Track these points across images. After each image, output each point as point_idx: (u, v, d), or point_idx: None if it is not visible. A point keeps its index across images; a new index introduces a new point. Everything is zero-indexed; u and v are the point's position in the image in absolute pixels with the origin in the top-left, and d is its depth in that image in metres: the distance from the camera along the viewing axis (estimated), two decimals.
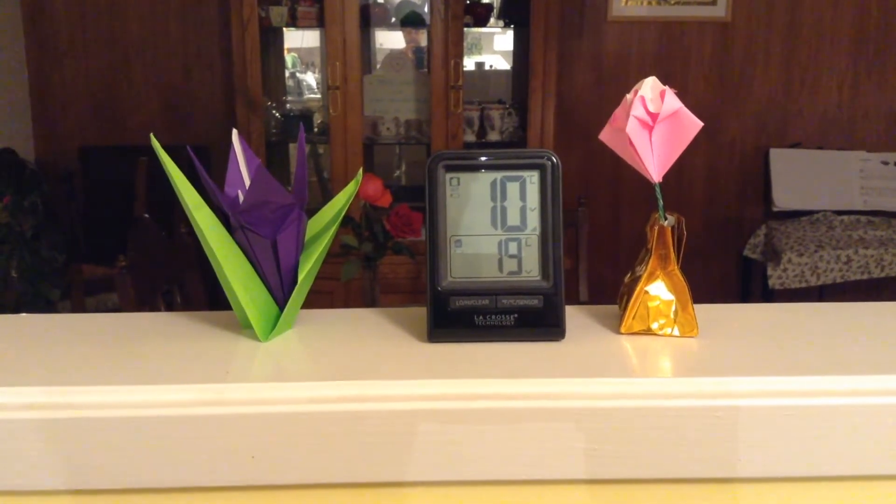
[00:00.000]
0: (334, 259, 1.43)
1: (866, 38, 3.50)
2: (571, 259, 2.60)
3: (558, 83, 3.08)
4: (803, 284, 3.17)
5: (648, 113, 0.61)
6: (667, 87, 0.61)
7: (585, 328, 0.67)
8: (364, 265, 1.91)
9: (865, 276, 3.19)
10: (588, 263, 2.65)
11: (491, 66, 3.82)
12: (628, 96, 0.62)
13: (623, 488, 0.59)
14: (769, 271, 3.20)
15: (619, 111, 0.63)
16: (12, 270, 2.74)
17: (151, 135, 0.64)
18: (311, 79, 3.92)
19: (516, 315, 0.63)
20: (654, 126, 0.61)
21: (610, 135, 0.65)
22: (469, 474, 0.57)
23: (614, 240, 3.63)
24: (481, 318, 0.63)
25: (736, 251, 3.64)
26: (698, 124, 0.61)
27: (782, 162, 3.49)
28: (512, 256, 0.64)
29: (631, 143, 0.62)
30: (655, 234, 0.64)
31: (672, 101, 0.61)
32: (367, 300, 1.95)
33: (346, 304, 2.90)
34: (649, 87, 0.61)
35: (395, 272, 2.81)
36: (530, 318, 0.63)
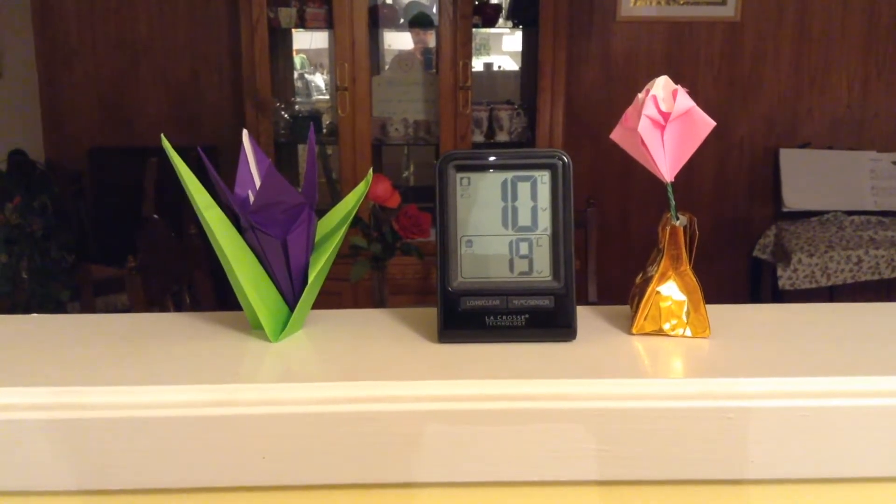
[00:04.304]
0: (343, 260, 1.42)
1: (876, 38, 3.48)
2: (581, 259, 2.59)
3: (567, 83, 3.07)
4: (813, 285, 3.15)
5: (660, 112, 0.61)
6: (679, 87, 0.61)
7: (596, 329, 0.66)
8: (373, 266, 1.91)
9: (876, 277, 3.17)
10: (597, 264, 2.64)
11: (499, 67, 3.82)
12: (640, 95, 0.62)
13: (634, 489, 0.59)
14: (779, 272, 3.19)
15: (630, 110, 0.63)
16: (22, 271, 2.75)
17: (162, 135, 0.64)
18: (319, 80, 3.92)
19: (527, 315, 0.63)
20: (666, 125, 0.61)
21: (621, 134, 0.64)
22: (479, 475, 0.57)
23: (623, 240, 3.62)
24: (492, 318, 0.63)
25: (745, 252, 3.63)
26: (711, 123, 0.61)
27: (792, 162, 3.48)
28: (523, 257, 0.64)
29: (643, 142, 0.61)
30: (667, 234, 0.64)
31: (684, 100, 0.61)
32: (376, 301, 1.95)
33: (355, 304, 2.90)
34: (661, 86, 0.61)
35: (404, 273, 2.81)
36: (541, 318, 0.63)
